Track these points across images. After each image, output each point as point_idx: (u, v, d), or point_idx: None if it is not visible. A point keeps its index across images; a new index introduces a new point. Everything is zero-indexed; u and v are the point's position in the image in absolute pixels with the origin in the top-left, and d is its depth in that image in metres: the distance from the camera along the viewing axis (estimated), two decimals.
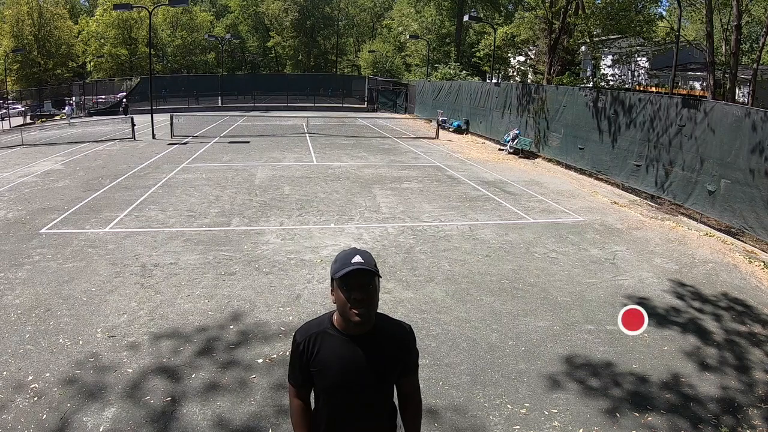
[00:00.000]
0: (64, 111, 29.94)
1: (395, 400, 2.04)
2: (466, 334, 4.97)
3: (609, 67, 24.90)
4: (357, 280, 1.74)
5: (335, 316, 1.88)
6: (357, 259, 1.76)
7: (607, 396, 4.08)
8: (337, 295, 1.79)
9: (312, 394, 1.97)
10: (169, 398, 3.89)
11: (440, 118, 23.48)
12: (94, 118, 29.30)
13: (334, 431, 1.93)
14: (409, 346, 1.95)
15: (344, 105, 37.31)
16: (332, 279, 1.80)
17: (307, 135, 20.92)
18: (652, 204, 10.76)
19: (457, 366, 4.40)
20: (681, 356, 4.70)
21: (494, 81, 23.58)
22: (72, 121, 27.48)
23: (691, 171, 9.92)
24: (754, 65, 15.04)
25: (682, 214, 9.96)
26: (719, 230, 8.89)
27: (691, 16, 19.96)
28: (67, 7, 52.21)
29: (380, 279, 1.81)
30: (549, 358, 4.59)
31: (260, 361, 4.43)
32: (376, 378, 1.86)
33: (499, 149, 18.14)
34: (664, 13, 23.50)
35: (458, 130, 22.80)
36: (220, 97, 37.29)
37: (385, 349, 1.86)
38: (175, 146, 17.58)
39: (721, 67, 14.87)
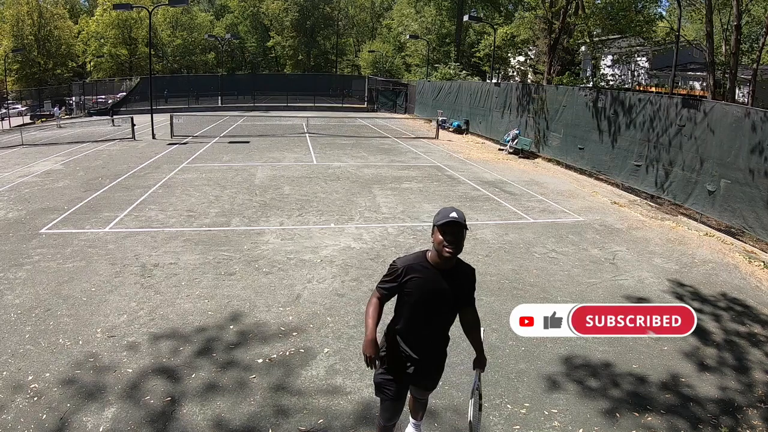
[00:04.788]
0: (54, 112, 29.73)
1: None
2: None
3: (609, 67, 24.90)
4: (452, 228, 2.48)
5: (429, 254, 2.61)
6: (453, 214, 2.48)
7: (606, 396, 4.08)
8: (436, 237, 2.52)
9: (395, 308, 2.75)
10: (169, 398, 3.89)
11: (440, 118, 23.48)
12: (94, 118, 29.27)
13: (407, 337, 2.71)
14: (474, 280, 2.75)
15: (344, 105, 37.32)
16: (434, 226, 2.54)
17: (307, 135, 20.93)
18: (652, 204, 10.76)
19: (457, 366, 4.40)
20: (680, 356, 4.70)
21: (494, 81, 23.57)
22: (61, 122, 27.33)
23: (691, 171, 9.93)
24: (754, 65, 15.03)
25: (682, 214, 9.97)
26: (719, 230, 8.89)
27: (691, 16, 19.93)
28: (67, 7, 52.17)
29: (467, 230, 2.55)
30: (549, 358, 4.59)
31: (260, 361, 4.43)
32: (451, 300, 2.63)
33: (499, 149, 18.14)
34: (664, 13, 23.51)
35: (458, 130, 22.80)
36: (220, 97, 37.28)
37: (460, 280, 2.65)
38: (175, 146, 17.58)
39: (721, 67, 14.86)
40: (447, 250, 2.49)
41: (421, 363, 2.77)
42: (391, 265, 2.65)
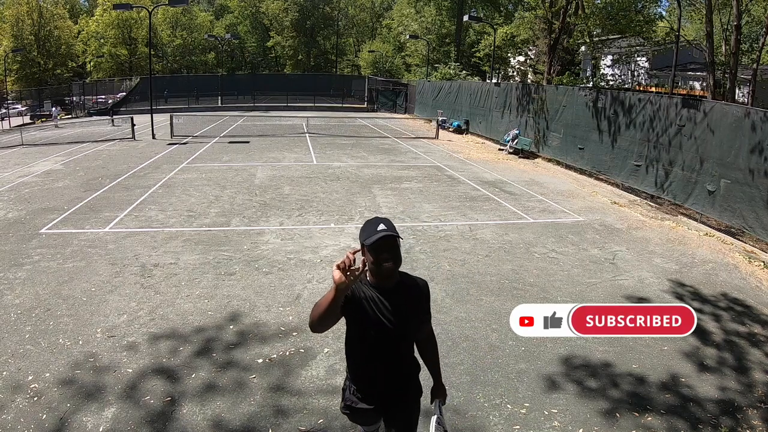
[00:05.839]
0: (52, 112, 29.72)
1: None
2: (466, 334, 4.97)
3: (609, 67, 24.90)
4: (384, 243, 2.12)
5: (368, 274, 2.25)
6: (381, 227, 2.13)
7: (606, 396, 4.08)
8: (367, 256, 2.17)
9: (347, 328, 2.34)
10: (169, 398, 3.89)
11: (440, 118, 23.47)
12: (94, 118, 29.27)
13: (363, 373, 2.35)
14: (425, 295, 2.39)
15: (344, 105, 37.32)
16: (362, 245, 2.17)
17: (307, 135, 20.92)
18: (652, 204, 10.76)
19: (457, 366, 4.41)
20: (680, 357, 4.70)
21: (494, 81, 23.57)
22: (59, 123, 27.30)
23: (691, 171, 9.93)
24: (754, 65, 15.03)
25: (682, 214, 9.97)
26: (719, 230, 8.89)
27: (691, 16, 19.94)
28: (67, 7, 52.15)
29: (402, 240, 2.20)
30: (549, 358, 4.59)
31: (260, 361, 4.43)
32: (399, 322, 2.23)
33: (499, 149, 18.14)
34: (664, 13, 23.50)
35: (458, 130, 22.80)
36: (220, 97, 37.30)
37: (407, 297, 2.28)
38: (175, 146, 17.58)
39: (721, 67, 14.86)
40: (386, 266, 2.15)
41: (386, 401, 2.38)
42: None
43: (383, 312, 2.21)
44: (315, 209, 9.46)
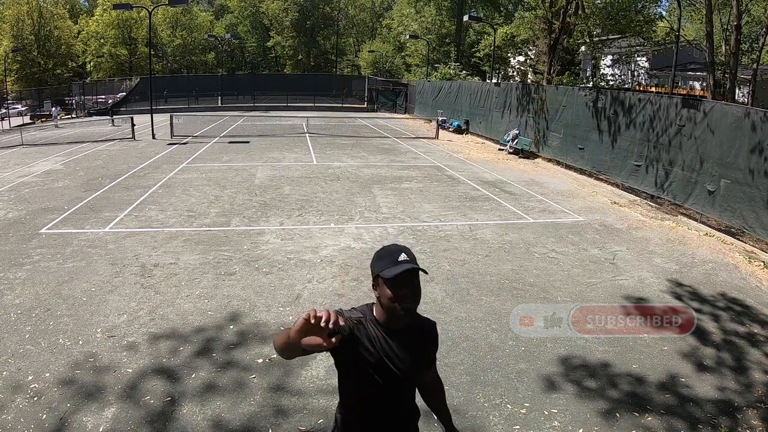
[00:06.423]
0: (52, 112, 29.75)
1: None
2: (466, 334, 4.97)
3: (609, 67, 24.91)
4: (405, 279, 1.81)
5: (375, 309, 1.96)
6: (403, 257, 1.82)
7: (606, 396, 4.08)
8: (382, 291, 1.84)
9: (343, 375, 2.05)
10: (169, 398, 3.90)
11: (440, 118, 23.47)
12: (94, 118, 29.27)
13: (358, 421, 2.03)
14: (436, 339, 2.14)
15: (344, 105, 37.33)
16: (377, 276, 1.85)
17: (306, 135, 20.93)
18: (652, 204, 10.76)
19: (457, 366, 4.41)
20: (680, 357, 4.70)
21: (494, 81, 23.57)
22: (59, 123, 27.32)
23: (691, 171, 9.93)
24: (754, 65, 15.03)
25: (682, 214, 9.97)
26: (719, 230, 8.89)
27: (691, 16, 19.93)
28: (67, 7, 52.17)
29: (426, 273, 1.90)
30: (549, 358, 4.59)
31: (260, 361, 4.43)
32: (408, 365, 1.96)
33: (499, 149, 18.14)
34: (664, 13, 23.50)
35: (458, 130, 22.80)
36: (220, 97, 37.30)
37: (417, 340, 2.00)
38: (175, 146, 17.58)
39: (721, 67, 14.86)
40: (405, 306, 1.84)
41: None
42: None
43: (389, 354, 1.92)
44: (315, 209, 9.46)
